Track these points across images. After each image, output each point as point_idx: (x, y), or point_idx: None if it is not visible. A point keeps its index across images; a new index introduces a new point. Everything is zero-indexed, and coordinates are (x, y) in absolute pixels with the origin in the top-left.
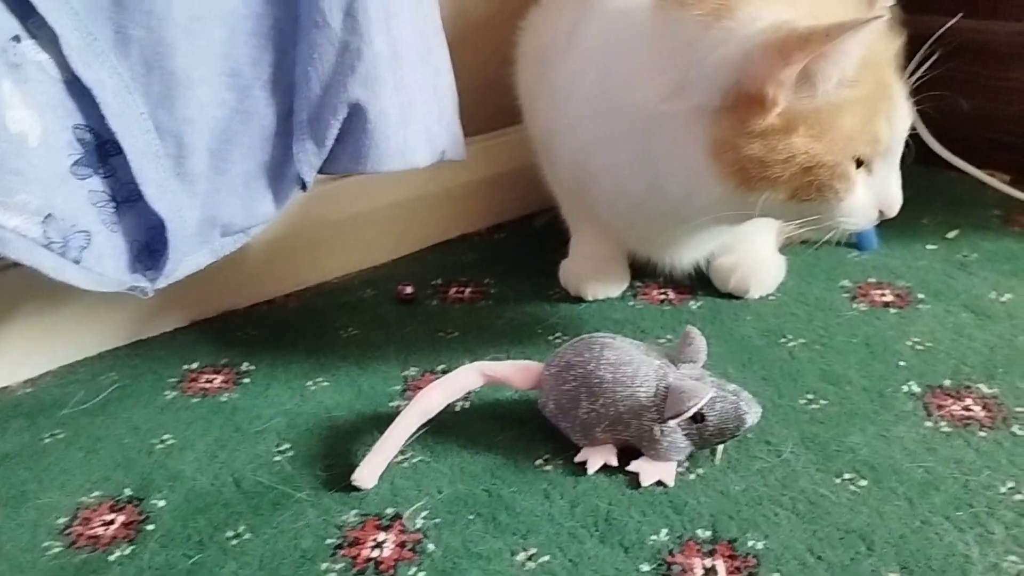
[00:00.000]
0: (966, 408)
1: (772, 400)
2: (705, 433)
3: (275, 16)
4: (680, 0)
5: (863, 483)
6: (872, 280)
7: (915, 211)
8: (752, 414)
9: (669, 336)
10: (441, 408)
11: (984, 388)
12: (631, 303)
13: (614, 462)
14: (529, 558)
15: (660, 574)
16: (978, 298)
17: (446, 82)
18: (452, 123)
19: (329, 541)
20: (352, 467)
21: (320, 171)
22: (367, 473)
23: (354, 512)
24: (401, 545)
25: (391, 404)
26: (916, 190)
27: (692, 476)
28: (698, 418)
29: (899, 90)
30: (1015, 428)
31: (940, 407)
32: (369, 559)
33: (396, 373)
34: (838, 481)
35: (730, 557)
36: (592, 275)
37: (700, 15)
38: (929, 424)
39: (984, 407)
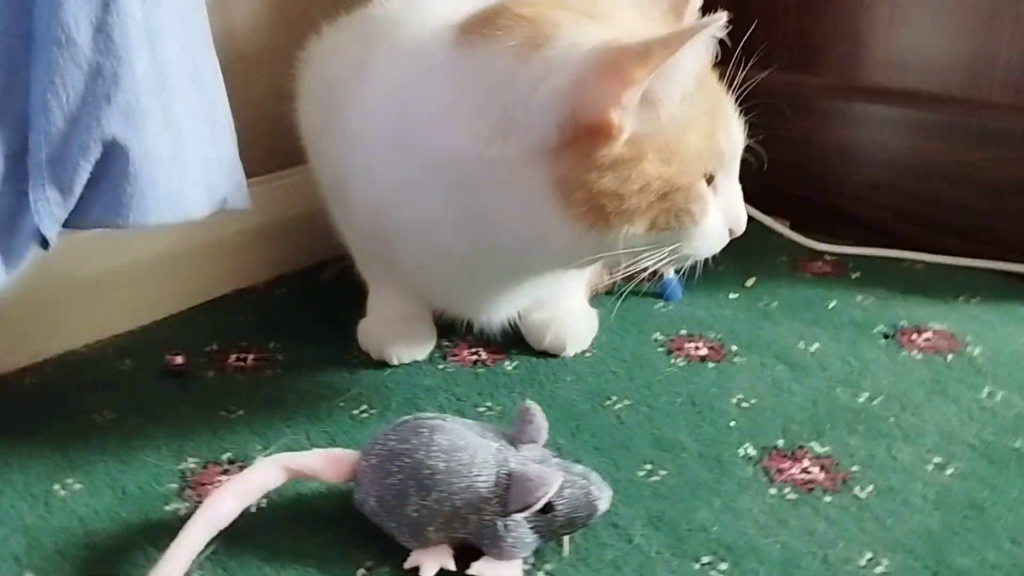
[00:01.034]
0: (805, 471)
1: (610, 473)
2: (554, 524)
3: None
4: (484, 32)
5: (723, 567)
6: (683, 332)
7: (712, 258)
8: (604, 499)
9: (488, 404)
10: (235, 515)
11: (817, 447)
12: (441, 366)
13: (451, 566)
14: None
15: None
16: (788, 349)
17: (224, 116)
18: (233, 165)
19: None
20: None
21: (66, 225)
22: None
23: None
24: None
25: (167, 508)
26: None
27: (541, 574)
28: (547, 508)
29: (728, 100)
30: (856, 491)
31: (780, 471)
32: None
33: (170, 467)
34: (697, 567)
35: None
36: (396, 336)
37: (513, 46)
38: (773, 491)
39: (822, 468)
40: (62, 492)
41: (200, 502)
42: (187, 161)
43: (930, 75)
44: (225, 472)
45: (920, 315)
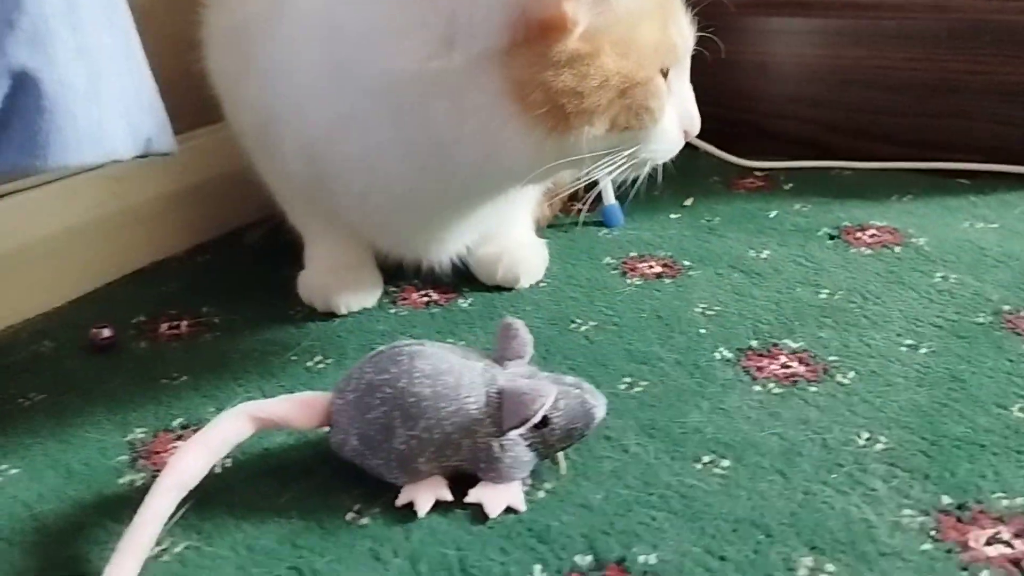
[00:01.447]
0: (784, 366)
1: None
2: (551, 439)
3: None
4: None
5: (725, 463)
6: (633, 254)
7: (647, 183)
8: (600, 407)
9: (450, 341)
10: (203, 474)
11: (791, 343)
12: (392, 311)
13: (448, 496)
14: None
15: None
16: (740, 258)
17: (138, 51)
18: (155, 103)
19: None
20: None
21: None
22: None
23: None
24: None
25: (120, 481)
26: None
27: (541, 494)
28: (543, 423)
29: None
30: (839, 378)
31: (759, 369)
32: None
33: (116, 439)
34: (699, 467)
35: None
36: (341, 284)
37: None
38: (758, 388)
39: (800, 361)
40: None
41: (157, 471)
42: (105, 95)
43: None
44: (179, 438)
45: (860, 215)
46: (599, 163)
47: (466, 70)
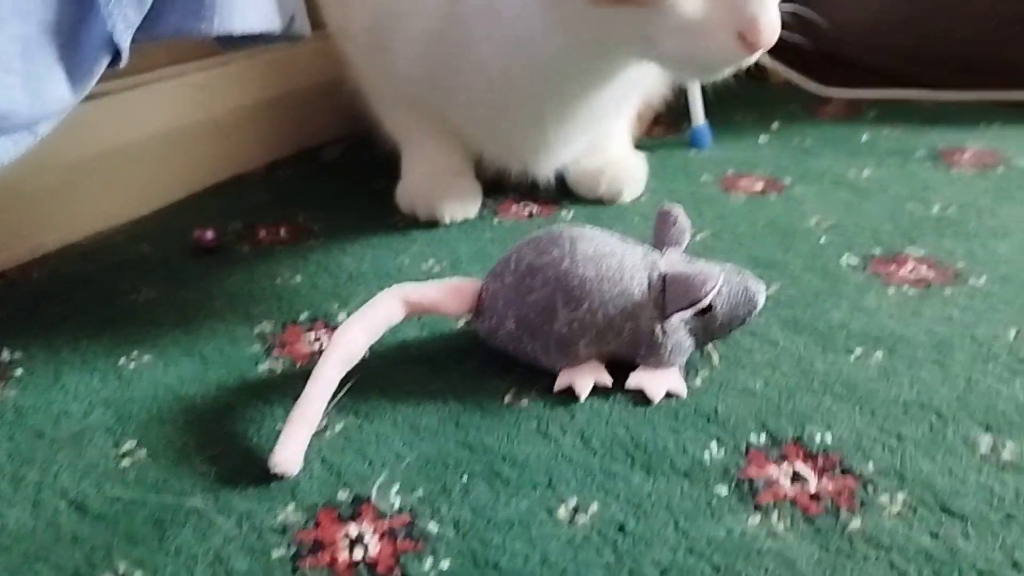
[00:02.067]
0: (914, 271)
1: None
2: (712, 326)
3: None
4: None
5: (879, 354)
6: (731, 172)
7: (722, 111)
8: (761, 293)
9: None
10: (364, 351)
11: (915, 251)
12: (495, 221)
13: (607, 380)
14: (574, 511)
15: (744, 493)
16: (842, 176)
17: None
18: None
19: (278, 554)
20: (248, 453)
21: (138, 35)
22: (290, 454)
23: (291, 508)
24: (390, 535)
25: (260, 367)
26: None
27: (699, 381)
28: (707, 308)
29: None
30: (972, 282)
31: (889, 275)
32: (354, 563)
33: (245, 331)
34: (853, 359)
35: (807, 457)
36: (444, 192)
37: None
38: (892, 291)
39: (929, 267)
40: (131, 365)
41: (295, 361)
42: None
43: None
44: (310, 330)
45: (952, 139)
46: (619, 43)
47: None
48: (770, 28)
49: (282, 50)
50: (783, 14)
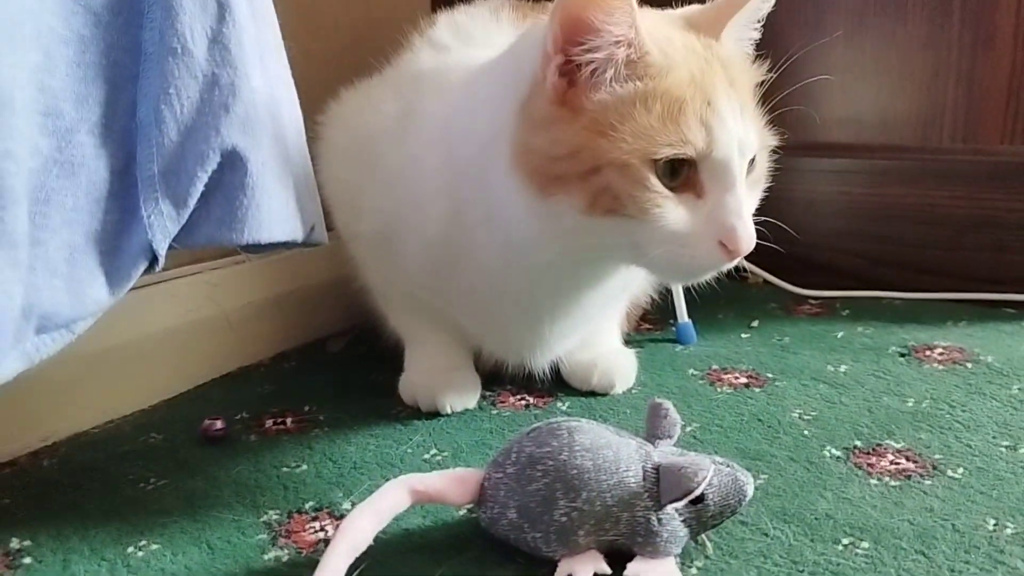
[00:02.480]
0: (894, 463)
1: None
2: (705, 515)
3: (107, 42)
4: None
5: (865, 544)
6: (715, 367)
7: (706, 309)
8: (750, 484)
9: None
10: (371, 540)
11: (893, 443)
12: (494, 411)
13: (606, 570)
14: None
15: None
16: (820, 372)
17: (304, 144)
18: (315, 193)
19: None
20: None
21: (174, 244)
22: None
23: None
24: None
25: (265, 556)
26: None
27: (693, 571)
28: (698, 498)
29: (727, 98)
30: (950, 473)
31: (871, 465)
32: None
33: (251, 520)
34: (840, 548)
35: None
36: (445, 385)
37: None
38: (875, 482)
39: (908, 459)
40: (139, 554)
41: (300, 550)
42: (290, 179)
43: (886, 128)
44: (315, 519)
45: (923, 337)
46: (608, 251)
47: (499, 138)
48: (747, 237)
49: (293, 250)
50: (765, 224)
